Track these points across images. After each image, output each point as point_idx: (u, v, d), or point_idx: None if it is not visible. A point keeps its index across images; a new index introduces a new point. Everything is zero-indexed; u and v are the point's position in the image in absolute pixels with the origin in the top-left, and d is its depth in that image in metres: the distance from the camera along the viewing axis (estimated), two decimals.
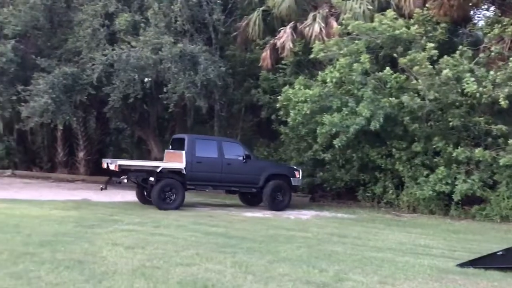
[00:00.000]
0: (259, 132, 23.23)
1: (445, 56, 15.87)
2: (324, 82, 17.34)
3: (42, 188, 19.07)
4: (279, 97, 18.52)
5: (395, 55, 16.71)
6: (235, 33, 21.20)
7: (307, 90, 17.16)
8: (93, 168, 24.10)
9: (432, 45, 15.88)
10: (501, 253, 8.72)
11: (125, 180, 15.06)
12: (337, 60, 16.96)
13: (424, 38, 16.67)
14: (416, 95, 16.15)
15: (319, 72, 17.79)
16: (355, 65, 16.36)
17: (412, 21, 17.00)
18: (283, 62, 19.94)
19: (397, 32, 16.33)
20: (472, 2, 17.65)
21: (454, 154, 15.94)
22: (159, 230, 10.94)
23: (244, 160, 15.79)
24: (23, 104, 18.38)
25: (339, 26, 17.54)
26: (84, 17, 19.05)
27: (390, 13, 16.75)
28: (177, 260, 7.97)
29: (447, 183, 16.23)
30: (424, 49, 15.99)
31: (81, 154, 24.40)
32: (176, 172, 15.15)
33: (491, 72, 15.38)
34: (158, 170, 14.85)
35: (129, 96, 18.53)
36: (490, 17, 17.99)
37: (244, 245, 9.57)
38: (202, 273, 7.24)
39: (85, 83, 18.77)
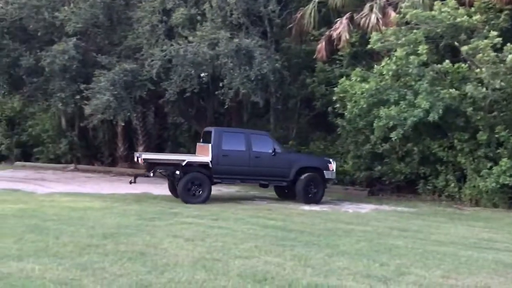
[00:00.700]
0: (316, 125, 23.06)
1: (509, 44, 15.30)
2: (381, 74, 17.03)
3: (103, 182, 19.62)
4: (335, 89, 18.33)
5: (456, 43, 16.22)
6: (290, 26, 21.12)
7: (363, 84, 16.90)
8: None
9: (495, 33, 15.37)
10: None
11: (151, 174, 15.02)
12: (395, 50, 16.62)
13: (487, 26, 16.11)
14: (480, 84, 15.65)
15: (375, 65, 17.48)
16: (412, 58, 15.97)
17: (473, 9, 16.47)
18: (339, 53, 19.72)
19: (458, 20, 15.84)
20: None
21: None
22: (217, 223, 11.04)
23: (273, 153, 15.39)
24: (86, 102, 18.86)
25: (397, 15, 17.19)
26: (142, 14, 19.36)
27: (451, 1, 16.25)
28: (236, 253, 8.02)
29: (511, 175, 15.67)
30: (486, 37, 15.46)
31: (140, 149, 24.87)
32: (202, 166, 15.00)
33: None
34: (184, 163, 14.74)
35: (185, 91, 18.73)
36: None
37: (303, 239, 9.54)
38: (261, 266, 7.25)
39: (144, 79, 19.08)
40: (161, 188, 16.42)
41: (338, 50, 19.54)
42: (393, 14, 17.69)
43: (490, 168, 16.26)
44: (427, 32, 16.48)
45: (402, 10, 16.80)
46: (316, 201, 15.63)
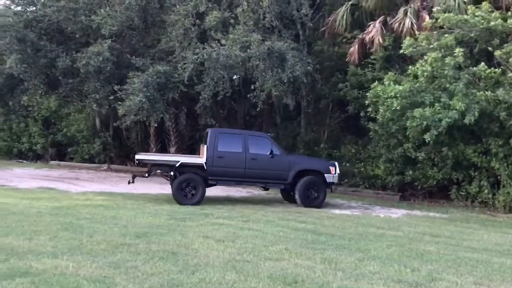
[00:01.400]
0: (347, 128, 22.95)
1: None
2: (415, 77, 16.84)
3: (135, 182, 19.82)
4: (367, 94, 18.20)
5: (490, 48, 15.95)
6: (322, 29, 21.07)
7: (397, 86, 16.71)
8: None
9: None
10: None
11: (146, 175, 15.06)
12: (427, 55, 16.42)
13: None
14: None
15: (410, 67, 17.29)
16: (447, 59, 15.76)
17: (509, 13, 16.17)
18: (372, 57, 19.60)
19: (492, 24, 15.57)
20: None
21: None
22: (248, 225, 11.10)
23: (271, 155, 14.99)
24: (119, 103, 19.14)
25: (431, 20, 16.98)
26: (176, 17, 19.57)
27: (485, 5, 15.98)
28: (266, 255, 8.06)
29: None
30: None
31: (172, 150, 25.08)
32: (197, 167, 14.86)
33: None
34: (177, 165, 14.68)
35: (218, 94, 18.86)
36: None
37: (333, 242, 9.52)
38: (291, 268, 7.28)
39: (177, 81, 19.27)
40: None
41: (370, 53, 19.43)
42: (427, 18, 17.46)
43: None
44: (460, 36, 16.23)
45: (434, 14, 16.60)
46: (316, 205, 15.11)
